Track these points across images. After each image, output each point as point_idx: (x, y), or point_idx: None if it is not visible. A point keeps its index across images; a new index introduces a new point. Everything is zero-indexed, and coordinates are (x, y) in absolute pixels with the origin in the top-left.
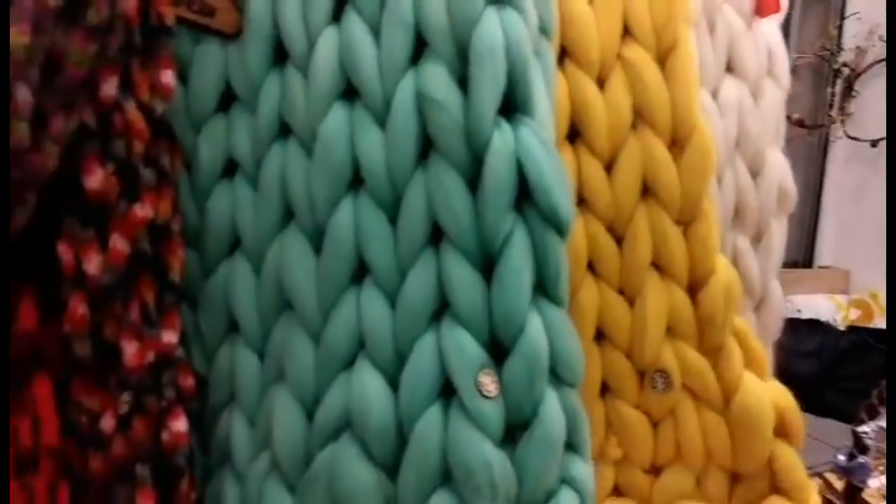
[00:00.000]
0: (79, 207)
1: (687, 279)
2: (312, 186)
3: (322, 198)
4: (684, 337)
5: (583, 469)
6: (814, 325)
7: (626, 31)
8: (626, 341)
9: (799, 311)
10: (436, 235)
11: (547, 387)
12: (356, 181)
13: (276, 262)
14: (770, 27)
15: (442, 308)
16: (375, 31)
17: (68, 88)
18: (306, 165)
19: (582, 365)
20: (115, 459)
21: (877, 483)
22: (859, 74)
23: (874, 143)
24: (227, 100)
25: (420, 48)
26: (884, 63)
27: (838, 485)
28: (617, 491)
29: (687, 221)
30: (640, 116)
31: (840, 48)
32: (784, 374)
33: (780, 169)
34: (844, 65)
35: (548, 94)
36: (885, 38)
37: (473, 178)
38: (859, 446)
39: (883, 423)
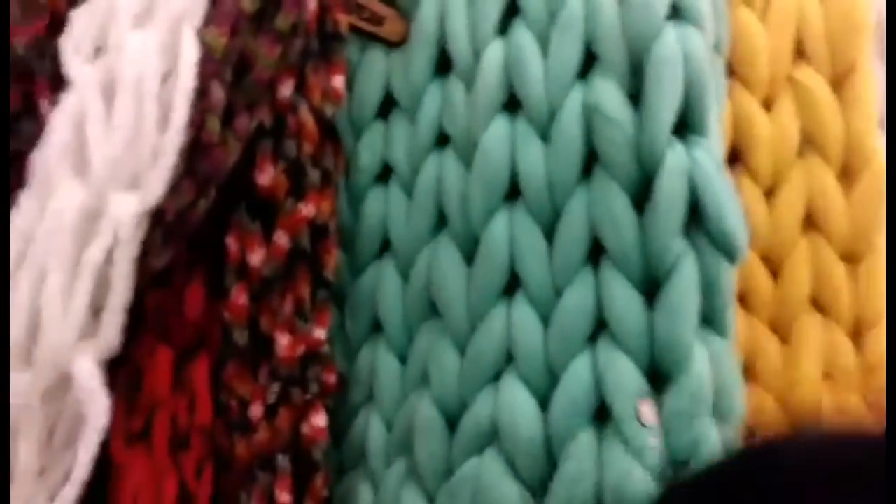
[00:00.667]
0: (249, 202)
1: (851, 321)
2: (468, 196)
3: (478, 208)
4: (843, 384)
5: None
6: None
7: (799, 52)
8: (776, 382)
9: None
10: (594, 253)
11: (708, 421)
12: (513, 193)
13: (425, 269)
14: None
15: (598, 329)
16: (543, 44)
17: (254, 89)
18: (463, 175)
19: (742, 402)
20: (259, 446)
21: None
22: None
23: None
24: (387, 106)
25: (589, 62)
26: None
27: None
28: None
29: (854, 258)
30: (809, 143)
31: None
32: None
33: None
34: None
35: (717, 114)
36: None
37: (640, 197)
38: None
39: None
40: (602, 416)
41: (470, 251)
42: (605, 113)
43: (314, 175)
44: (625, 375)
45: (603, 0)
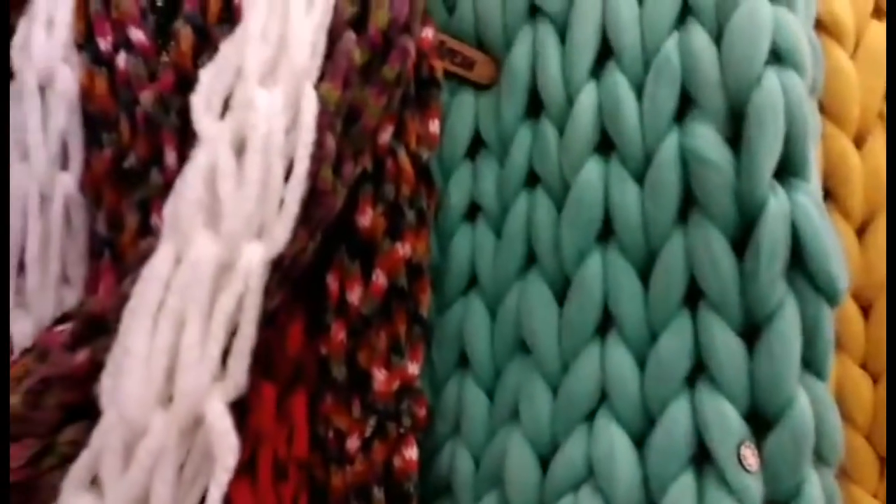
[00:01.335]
0: (349, 243)
1: None
2: (561, 236)
3: (570, 248)
4: None
5: None
6: None
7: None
8: (868, 423)
9: None
10: (691, 296)
11: (810, 466)
12: (606, 234)
13: (514, 306)
14: None
15: (696, 371)
16: (638, 88)
17: (361, 137)
18: (554, 215)
19: (842, 445)
20: (355, 478)
21: None
22: None
23: None
24: (475, 146)
25: (683, 105)
26: None
27: None
28: None
29: None
30: None
31: None
32: None
33: None
34: None
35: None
36: None
37: (739, 241)
38: None
39: None
40: (701, 459)
41: (561, 290)
42: (705, 157)
43: (411, 216)
44: (726, 419)
45: (700, 44)
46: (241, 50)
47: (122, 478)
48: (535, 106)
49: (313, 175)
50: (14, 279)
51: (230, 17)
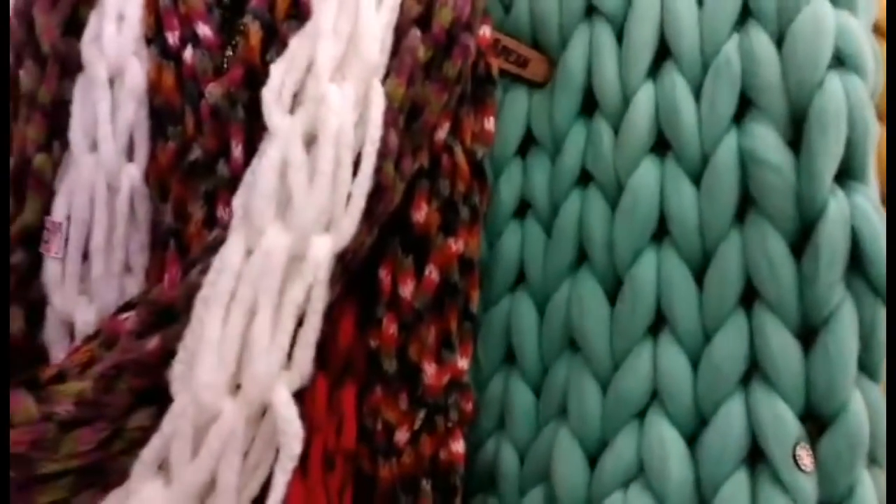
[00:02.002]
0: (403, 238)
1: None
2: (614, 235)
3: (624, 247)
4: None
5: None
6: None
7: None
8: None
9: None
10: (746, 296)
11: (864, 468)
12: (660, 234)
13: (563, 304)
14: None
15: (750, 372)
16: (696, 89)
17: (421, 134)
18: (607, 213)
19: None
20: (403, 470)
21: None
22: None
23: None
24: (526, 144)
25: (742, 107)
26: None
27: None
28: None
29: None
30: None
31: None
32: None
33: None
34: None
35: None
36: None
37: (796, 243)
38: None
39: None
40: (754, 458)
41: (613, 289)
42: (765, 158)
43: (465, 212)
44: (782, 419)
45: (761, 46)
46: (313, 45)
47: (191, 463)
48: (589, 105)
49: (377, 170)
50: (78, 266)
51: (298, 13)
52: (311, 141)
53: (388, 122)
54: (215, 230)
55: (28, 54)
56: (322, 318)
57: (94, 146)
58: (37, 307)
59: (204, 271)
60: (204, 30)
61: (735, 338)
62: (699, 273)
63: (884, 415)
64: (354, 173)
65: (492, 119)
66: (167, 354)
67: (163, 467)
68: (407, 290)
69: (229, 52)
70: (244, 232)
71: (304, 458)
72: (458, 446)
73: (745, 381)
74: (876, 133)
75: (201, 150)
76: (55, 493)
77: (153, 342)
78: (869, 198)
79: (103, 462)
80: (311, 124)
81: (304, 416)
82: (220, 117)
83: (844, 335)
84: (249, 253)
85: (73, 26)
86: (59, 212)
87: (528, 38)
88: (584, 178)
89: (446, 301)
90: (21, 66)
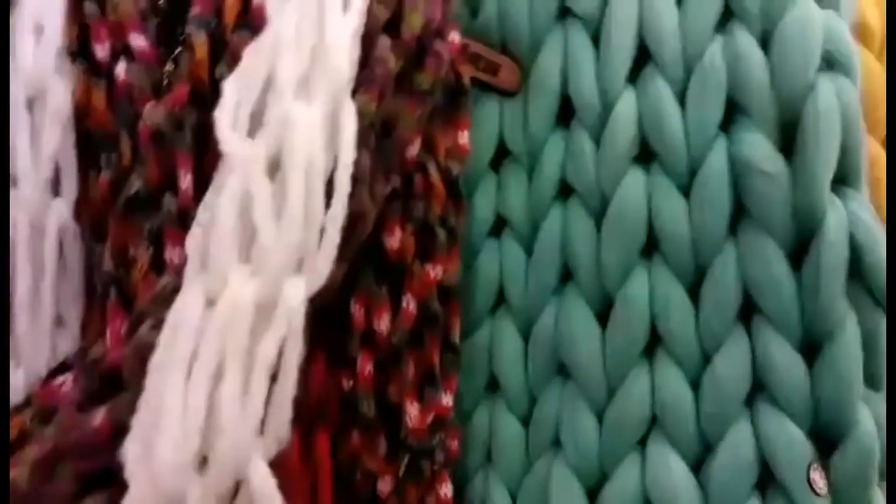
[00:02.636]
0: (376, 267)
1: None
2: (601, 251)
3: (612, 264)
4: None
5: None
6: None
7: None
8: None
9: None
10: (745, 312)
11: (877, 486)
12: (649, 249)
13: (549, 327)
14: None
15: (754, 392)
16: (680, 95)
17: (393, 152)
18: (592, 229)
19: None
20: None
21: None
22: None
23: None
24: (499, 157)
25: (729, 114)
26: None
27: None
28: None
29: None
30: None
31: None
32: None
33: None
34: None
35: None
36: None
37: (794, 254)
38: None
39: None
40: (765, 483)
41: (602, 309)
42: (759, 167)
43: (442, 236)
44: (793, 441)
45: (747, 49)
46: (272, 58)
47: None
48: (565, 113)
49: (351, 197)
50: None
51: (249, 21)
52: (274, 168)
53: (360, 142)
54: (165, 276)
55: None
56: (296, 372)
57: (14, 180)
58: None
59: (156, 327)
60: (138, 41)
61: (736, 356)
62: (694, 289)
63: (887, 427)
64: (326, 203)
65: (466, 133)
66: (118, 431)
67: None
68: (383, 323)
69: (169, 67)
70: (203, 279)
71: None
72: (446, 490)
73: (750, 401)
74: (865, 136)
75: (142, 182)
76: None
77: (100, 417)
78: (865, 205)
79: None
80: (276, 149)
81: (275, 473)
82: (164, 143)
83: (849, 349)
84: (211, 304)
85: None
86: None
87: (498, 44)
88: (565, 191)
89: (426, 333)
90: None
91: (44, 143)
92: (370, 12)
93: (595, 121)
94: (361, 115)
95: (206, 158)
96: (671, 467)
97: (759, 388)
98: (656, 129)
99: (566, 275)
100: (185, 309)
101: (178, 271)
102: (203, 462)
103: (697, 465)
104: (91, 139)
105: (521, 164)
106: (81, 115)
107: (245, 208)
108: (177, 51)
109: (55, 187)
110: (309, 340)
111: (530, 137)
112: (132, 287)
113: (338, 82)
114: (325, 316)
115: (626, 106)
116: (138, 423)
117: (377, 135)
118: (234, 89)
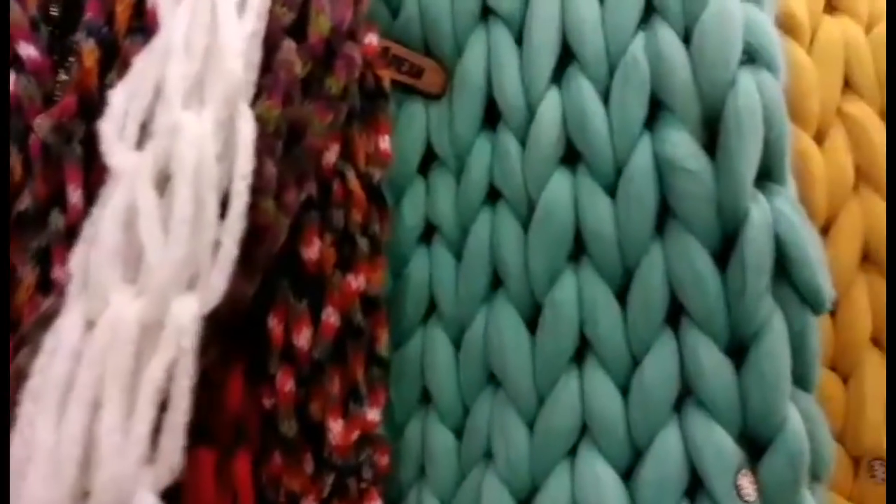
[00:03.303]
0: (294, 280)
1: None
2: (529, 256)
3: (540, 269)
4: None
5: None
6: None
7: (848, 85)
8: (839, 424)
9: None
10: (672, 314)
11: (806, 488)
12: (577, 252)
13: (480, 335)
14: None
15: (682, 396)
16: (604, 93)
17: (304, 160)
18: (520, 233)
19: (833, 457)
20: None
21: None
22: None
23: None
24: (426, 161)
25: (653, 112)
26: None
27: None
28: None
29: None
30: (864, 177)
31: None
32: None
33: None
34: None
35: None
36: None
37: (720, 254)
38: None
39: None
40: (694, 490)
41: (532, 315)
42: (682, 165)
43: (363, 244)
44: (721, 448)
45: (669, 45)
46: (161, 65)
47: None
48: (491, 116)
49: (252, 208)
50: None
51: (142, 26)
52: (164, 181)
53: (263, 150)
54: (50, 298)
55: None
56: (192, 395)
57: None
58: None
59: (34, 352)
60: (28, 50)
61: (665, 360)
62: (622, 292)
63: (820, 426)
64: (223, 215)
65: (387, 137)
66: None
67: None
68: (302, 338)
69: (63, 77)
70: (83, 300)
71: None
72: None
73: (679, 406)
74: (789, 131)
75: (31, 198)
76: None
77: None
78: (789, 200)
79: None
80: (163, 161)
81: (187, 501)
82: (52, 157)
83: (776, 349)
84: (90, 326)
85: None
86: None
87: (420, 46)
88: (493, 195)
89: (349, 346)
90: None
91: None
92: (271, 14)
93: (520, 122)
94: (263, 121)
95: (96, 172)
96: (600, 476)
97: (688, 393)
98: (580, 129)
99: (496, 281)
100: (63, 332)
101: (63, 292)
102: (84, 497)
103: (628, 473)
104: None
105: (448, 169)
106: None
107: (129, 224)
108: (69, 60)
109: None
110: (224, 359)
111: (457, 141)
112: (18, 310)
113: (232, 86)
114: (242, 332)
115: (551, 106)
116: (13, 457)
117: (285, 142)
118: (122, 98)
